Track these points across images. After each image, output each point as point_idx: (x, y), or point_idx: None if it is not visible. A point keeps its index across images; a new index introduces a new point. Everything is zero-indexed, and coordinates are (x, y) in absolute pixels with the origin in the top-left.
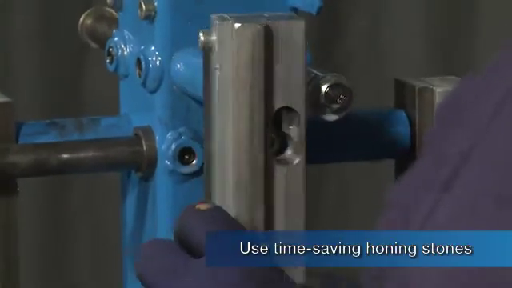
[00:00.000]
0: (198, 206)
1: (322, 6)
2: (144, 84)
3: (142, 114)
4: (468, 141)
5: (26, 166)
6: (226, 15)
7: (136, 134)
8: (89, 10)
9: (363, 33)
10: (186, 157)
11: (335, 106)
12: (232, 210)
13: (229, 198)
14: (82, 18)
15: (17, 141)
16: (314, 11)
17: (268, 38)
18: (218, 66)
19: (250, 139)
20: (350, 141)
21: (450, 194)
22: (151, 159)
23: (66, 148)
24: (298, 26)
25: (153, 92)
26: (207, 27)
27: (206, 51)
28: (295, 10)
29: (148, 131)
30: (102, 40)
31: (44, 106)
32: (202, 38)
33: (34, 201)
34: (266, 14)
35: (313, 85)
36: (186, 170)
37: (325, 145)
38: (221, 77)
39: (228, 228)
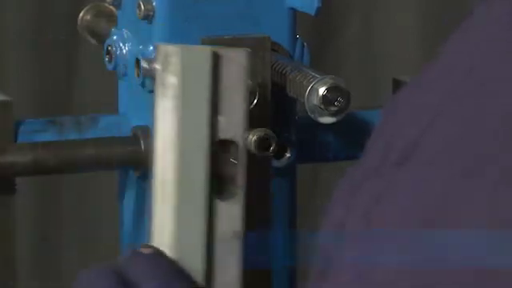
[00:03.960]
0: (141, 250)
1: (321, 7)
2: (143, 84)
3: (140, 113)
4: (416, 131)
5: (24, 166)
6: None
7: (134, 134)
8: (88, 6)
9: (357, 32)
10: None
11: (333, 109)
12: (172, 250)
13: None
14: (81, 14)
15: (15, 139)
16: (312, 12)
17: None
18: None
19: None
20: (345, 140)
21: (402, 174)
22: (149, 159)
23: (64, 147)
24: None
25: (151, 92)
26: (205, 27)
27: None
28: (294, 10)
29: (146, 131)
30: (101, 36)
31: (38, 105)
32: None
33: (26, 200)
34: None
35: (310, 87)
36: None
37: (319, 144)
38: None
39: (168, 270)
